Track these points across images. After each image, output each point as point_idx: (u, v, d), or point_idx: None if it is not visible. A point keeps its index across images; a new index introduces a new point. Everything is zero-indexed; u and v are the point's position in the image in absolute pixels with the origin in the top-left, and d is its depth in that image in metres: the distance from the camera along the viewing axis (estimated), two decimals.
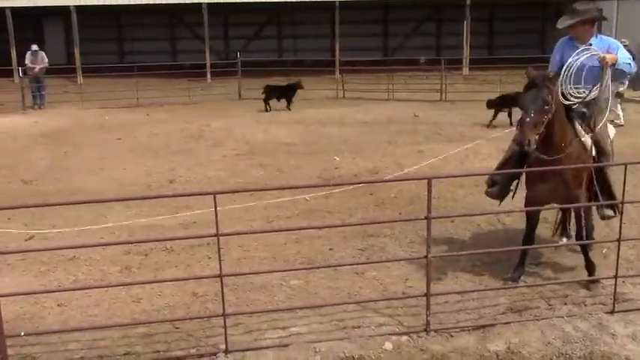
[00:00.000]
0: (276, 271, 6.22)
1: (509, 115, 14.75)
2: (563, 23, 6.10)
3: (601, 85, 5.86)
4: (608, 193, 5.97)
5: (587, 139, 5.81)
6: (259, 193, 9.04)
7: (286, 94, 19.17)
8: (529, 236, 6.05)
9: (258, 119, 17.07)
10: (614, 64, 5.79)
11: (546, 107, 5.31)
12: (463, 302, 5.63)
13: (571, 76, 5.74)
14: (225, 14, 31.33)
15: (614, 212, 6.07)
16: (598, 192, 5.93)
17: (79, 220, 8.13)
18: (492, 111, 15.16)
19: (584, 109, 5.91)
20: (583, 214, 5.85)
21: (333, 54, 27.71)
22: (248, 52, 28.63)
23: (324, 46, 30.57)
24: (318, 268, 6.33)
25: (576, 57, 5.75)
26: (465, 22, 26.79)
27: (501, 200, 6.36)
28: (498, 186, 6.31)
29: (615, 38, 6.49)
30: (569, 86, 5.74)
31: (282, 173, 10.85)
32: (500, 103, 15.20)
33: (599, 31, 6.25)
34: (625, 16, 22.88)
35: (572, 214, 6.26)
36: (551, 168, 5.49)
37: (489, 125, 14.93)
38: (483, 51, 30.63)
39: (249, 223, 8.08)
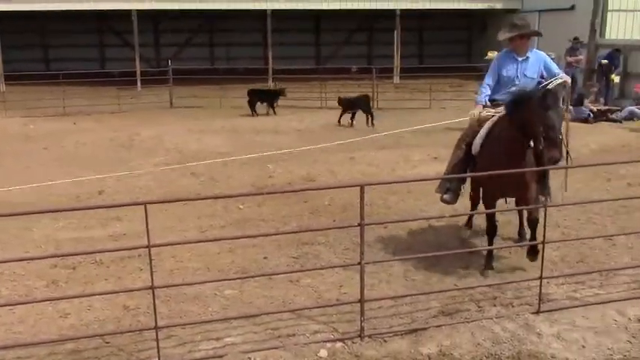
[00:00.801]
0: (210, 282, 6.15)
1: (353, 115, 17.00)
2: (503, 36, 6.56)
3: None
4: (543, 181, 6.49)
5: None
6: (192, 203, 8.94)
7: (268, 98, 19.43)
8: (493, 225, 6.56)
9: (191, 127, 16.85)
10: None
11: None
12: (396, 307, 5.72)
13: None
14: (156, 21, 30.87)
15: (547, 198, 6.66)
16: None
17: (3, 234, 7.81)
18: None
19: None
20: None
21: (266, 62, 27.69)
22: (179, 60, 28.25)
23: (257, 55, 30.52)
24: (252, 277, 6.29)
25: (551, 82, 6.37)
26: (396, 32, 27.31)
27: (454, 203, 6.88)
28: (451, 192, 6.80)
29: (538, 49, 6.93)
30: None
31: (215, 182, 10.75)
32: (347, 105, 17.14)
33: None
34: (546, 27, 23.84)
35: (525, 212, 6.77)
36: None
37: (350, 124, 16.92)
38: (414, 60, 31.27)
39: (182, 233, 7.96)
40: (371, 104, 17.34)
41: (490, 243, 6.61)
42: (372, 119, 16.96)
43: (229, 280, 6.19)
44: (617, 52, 17.99)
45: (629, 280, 6.23)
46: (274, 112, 19.25)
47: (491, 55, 15.71)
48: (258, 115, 19.16)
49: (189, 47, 31.70)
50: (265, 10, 26.32)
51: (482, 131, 6.39)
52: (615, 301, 5.71)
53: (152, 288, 4.74)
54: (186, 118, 18.78)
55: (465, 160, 6.65)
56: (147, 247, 4.66)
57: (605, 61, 17.82)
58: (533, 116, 5.69)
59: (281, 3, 26.59)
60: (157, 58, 31.40)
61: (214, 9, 27.06)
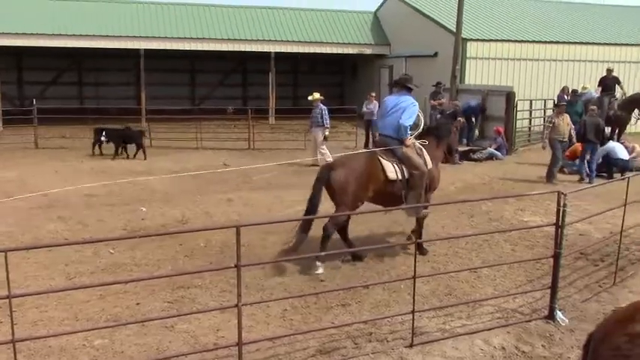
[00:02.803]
0: (78, 332, 5.81)
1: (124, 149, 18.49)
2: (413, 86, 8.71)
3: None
4: None
5: None
6: (58, 249, 8.46)
7: (115, 138, 18.62)
8: None
9: (58, 169, 16.06)
10: None
11: None
12: (274, 348, 5.69)
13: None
14: (19, 58, 29.43)
15: None
16: None
17: None
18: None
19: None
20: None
21: (139, 102, 27.11)
22: (46, 99, 27.05)
23: (130, 94, 29.85)
24: (124, 324, 6.03)
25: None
26: (271, 74, 27.77)
27: None
28: None
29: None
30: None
31: (84, 226, 10.26)
32: (119, 138, 18.47)
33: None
34: (412, 72, 25.18)
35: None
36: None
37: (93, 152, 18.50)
38: (288, 101, 31.89)
39: (48, 281, 7.51)
40: (143, 139, 18.67)
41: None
42: (144, 152, 18.27)
43: (99, 329, 5.89)
44: (481, 106, 19.61)
45: (493, 310, 6.61)
46: (120, 154, 18.67)
47: (316, 95, 16.77)
48: (101, 153, 18.71)
49: (56, 86, 30.45)
50: (138, 50, 25.89)
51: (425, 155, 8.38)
52: (481, 331, 6.04)
53: (13, 342, 4.44)
54: (52, 159, 17.89)
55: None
56: (7, 297, 4.36)
57: (462, 120, 19.28)
58: (454, 139, 9.36)
59: (154, 43, 26.28)
60: (20, 97, 29.85)
61: (83, 47, 26.21)
